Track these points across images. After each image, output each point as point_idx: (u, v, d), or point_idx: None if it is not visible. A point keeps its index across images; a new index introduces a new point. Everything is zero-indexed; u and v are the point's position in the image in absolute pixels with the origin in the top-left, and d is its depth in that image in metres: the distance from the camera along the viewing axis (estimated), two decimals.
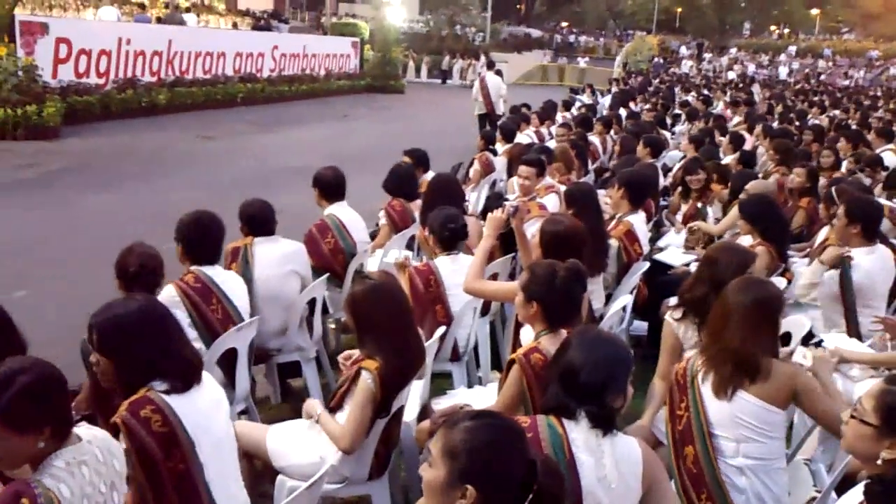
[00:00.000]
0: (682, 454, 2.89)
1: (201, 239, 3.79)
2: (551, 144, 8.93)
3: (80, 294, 5.99)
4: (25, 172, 10.97)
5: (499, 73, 17.30)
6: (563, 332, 2.93)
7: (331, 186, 5.20)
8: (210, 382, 2.61)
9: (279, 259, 4.32)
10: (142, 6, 22.86)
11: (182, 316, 3.55)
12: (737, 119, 14.90)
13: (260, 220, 4.38)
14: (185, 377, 2.47)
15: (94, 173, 11.25)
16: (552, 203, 5.84)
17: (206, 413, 2.52)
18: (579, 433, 2.29)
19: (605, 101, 19.40)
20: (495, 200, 5.94)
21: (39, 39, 15.14)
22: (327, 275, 4.69)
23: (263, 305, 4.20)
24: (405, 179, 5.96)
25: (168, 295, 3.59)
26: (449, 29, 42.74)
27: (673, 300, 3.69)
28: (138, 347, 2.41)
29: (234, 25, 28.13)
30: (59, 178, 10.80)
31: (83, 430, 2.18)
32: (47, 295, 6.09)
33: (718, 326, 2.92)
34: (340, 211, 5.17)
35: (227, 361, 3.70)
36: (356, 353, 3.16)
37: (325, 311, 4.83)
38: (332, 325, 5.29)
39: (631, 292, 4.82)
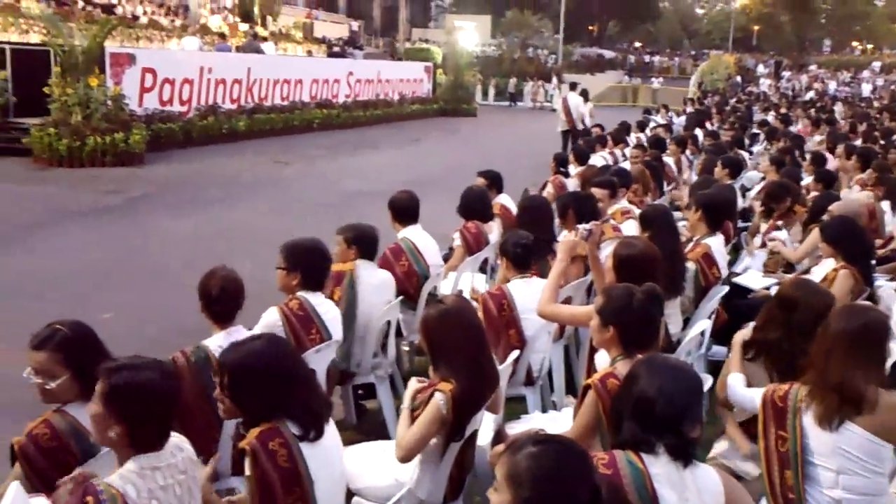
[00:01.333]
0: (780, 477, 2.80)
1: (314, 267, 3.82)
2: (625, 166, 8.83)
3: (164, 316, 6.21)
4: (112, 198, 11.40)
5: (584, 93, 18.23)
6: (640, 358, 2.88)
7: (404, 210, 5.25)
8: (331, 423, 2.67)
9: (379, 285, 4.39)
10: (222, 36, 23.63)
11: None
12: (817, 138, 14.48)
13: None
14: (315, 424, 2.53)
15: (177, 198, 11.62)
16: (630, 229, 5.75)
17: (328, 454, 2.58)
18: (660, 467, 2.23)
19: (681, 122, 19.10)
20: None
21: (127, 70, 15.78)
22: (401, 297, 4.72)
23: (362, 330, 4.26)
24: (478, 201, 5.97)
25: (271, 318, 3.67)
26: (521, 52, 42.86)
27: (745, 332, 3.54)
28: (265, 388, 2.48)
29: (310, 53, 28.78)
30: (143, 203, 11.19)
31: (175, 438, 2.33)
32: (132, 317, 6.28)
33: (822, 356, 2.80)
34: (414, 234, 5.20)
35: None
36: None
37: (399, 333, 4.86)
38: (406, 348, 5.32)
39: (709, 317, 4.71)
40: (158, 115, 16.31)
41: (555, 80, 38.30)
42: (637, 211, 6.05)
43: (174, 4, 27.87)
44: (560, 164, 9.31)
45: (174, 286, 6.83)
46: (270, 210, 10.88)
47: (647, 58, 57.19)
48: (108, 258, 8.25)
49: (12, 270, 7.60)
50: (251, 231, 9.45)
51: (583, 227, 4.01)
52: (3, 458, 2.61)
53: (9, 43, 16.53)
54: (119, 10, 23.33)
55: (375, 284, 4.36)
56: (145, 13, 24.72)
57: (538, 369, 4.35)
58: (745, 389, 3.25)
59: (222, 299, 3.30)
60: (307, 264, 3.81)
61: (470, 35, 40.43)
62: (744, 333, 3.50)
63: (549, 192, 8.56)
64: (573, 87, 18.86)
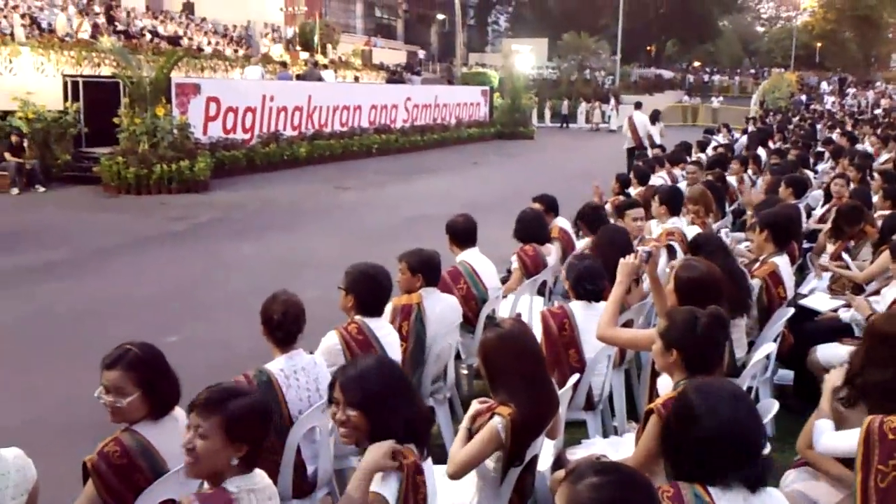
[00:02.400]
0: None
1: (372, 292, 3.84)
2: (683, 186, 8.72)
3: (228, 340, 6.32)
4: (177, 224, 11.70)
5: (656, 114, 19.04)
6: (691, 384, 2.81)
7: (462, 233, 5.27)
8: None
9: (445, 312, 4.39)
10: (284, 65, 24.15)
11: (340, 363, 3.65)
12: (885, 156, 14.07)
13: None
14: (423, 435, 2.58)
15: (240, 223, 11.87)
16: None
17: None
18: (728, 501, 2.16)
19: (742, 141, 18.79)
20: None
21: (192, 99, 16.24)
22: (460, 320, 4.73)
23: (429, 361, 4.27)
24: (535, 224, 5.95)
25: (331, 342, 3.71)
26: (578, 74, 42.78)
27: (836, 375, 3.34)
28: (393, 403, 2.51)
29: (357, 79, 29.16)
30: (207, 229, 11.46)
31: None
32: (197, 340, 6.42)
33: None
34: (472, 257, 5.22)
35: None
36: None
37: (457, 356, 4.86)
38: (465, 371, 5.31)
39: (775, 340, 4.60)
40: (222, 143, 16.73)
41: (612, 101, 38.10)
42: (686, 233, 5.97)
43: (237, 35, 28.61)
44: (622, 185, 9.24)
45: (237, 310, 6.97)
46: (331, 235, 11.03)
47: (706, 77, 56.52)
48: (174, 283, 8.45)
49: (84, 295, 7.85)
50: (312, 256, 9.58)
51: (642, 249, 3.96)
52: (77, 476, 2.68)
53: (81, 76, 17.20)
54: (185, 42, 24.06)
55: (442, 312, 4.35)
56: (210, 44, 25.44)
57: (599, 393, 4.30)
58: (838, 434, 3.03)
59: (283, 323, 3.34)
60: (362, 288, 3.83)
61: (527, 58, 40.55)
62: (834, 379, 3.25)
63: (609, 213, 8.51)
64: (638, 105, 19.27)
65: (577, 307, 4.23)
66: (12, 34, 17.99)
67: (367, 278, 3.84)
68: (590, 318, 4.10)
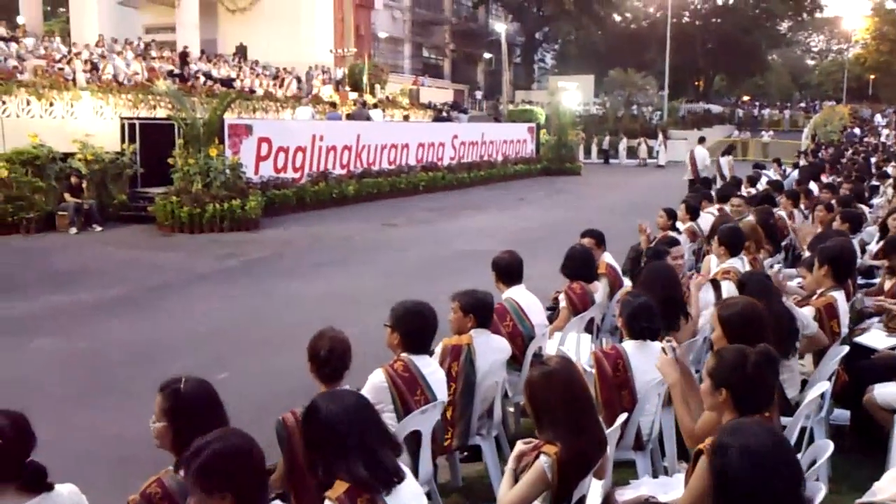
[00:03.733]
0: None
1: (417, 330, 3.85)
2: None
3: (276, 376, 6.38)
4: (229, 261, 11.91)
5: (730, 149, 20.44)
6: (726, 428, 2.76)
7: (508, 270, 5.26)
8: (410, 477, 2.67)
9: (495, 353, 4.38)
10: (333, 105, 24.60)
11: (387, 401, 3.67)
12: None
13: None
14: (387, 480, 2.52)
15: (290, 261, 12.03)
16: (727, 290, 5.58)
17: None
18: None
19: (794, 175, 18.49)
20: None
21: (244, 140, 16.62)
22: (507, 358, 4.71)
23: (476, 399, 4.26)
24: (583, 261, 5.92)
25: (377, 379, 3.72)
26: (625, 110, 42.71)
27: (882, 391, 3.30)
28: (341, 438, 2.50)
29: (414, 118, 29.51)
30: (257, 267, 11.64)
31: None
32: (247, 377, 6.49)
33: None
34: (518, 294, 5.21)
35: (410, 445, 3.76)
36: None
37: (504, 394, 4.84)
38: (512, 409, 5.28)
39: (829, 378, 4.49)
40: (273, 182, 17.04)
41: (660, 136, 37.90)
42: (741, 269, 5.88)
43: (288, 77, 29.23)
44: (670, 218, 9.14)
45: (286, 346, 7.04)
46: (379, 271, 11.11)
47: (756, 111, 55.94)
48: (225, 319, 8.59)
49: (138, 332, 8.02)
50: (360, 292, 9.66)
51: (665, 344, 3.82)
52: None
53: (138, 118, 17.74)
54: (237, 84, 24.65)
55: (492, 355, 4.33)
56: (261, 86, 26.01)
57: (648, 433, 4.23)
58: None
59: (330, 360, 3.38)
60: (408, 326, 3.84)
61: (573, 95, 40.61)
62: None
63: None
64: (702, 140, 20.32)
65: (630, 347, 4.18)
66: (74, 80, 18.65)
67: (413, 316, 3.86)
68: (644, 358, 4.05)
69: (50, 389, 6.29)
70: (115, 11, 33.77)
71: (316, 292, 9.82)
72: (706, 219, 9.56)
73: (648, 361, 3.92)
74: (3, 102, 16.25)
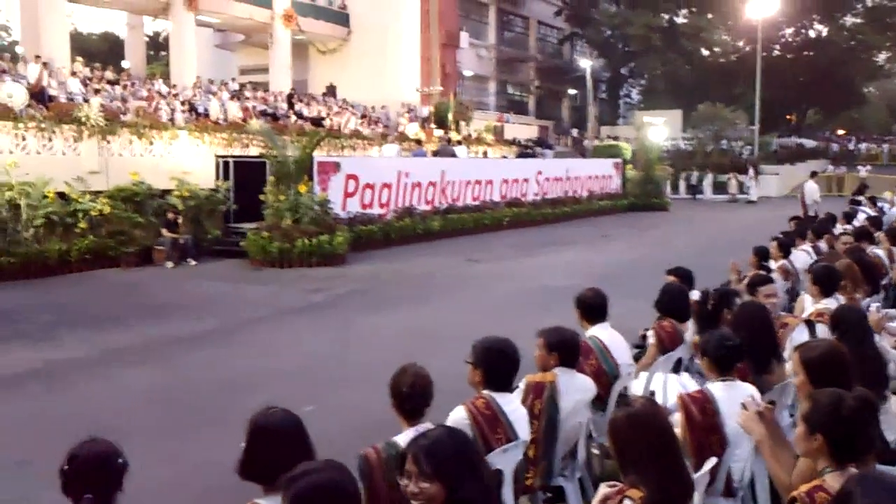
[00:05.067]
0: None
1: (499, 366, 3.82)
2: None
3: (360, 410, 6.44)
4: (316, 296, 12.15)
5: (862, 188, 19.80)
6: (853, 470, 2.64)
7: (592, 307, 5.20)
8: None
9: (579, 393, 4.33)
10: (419, 142, 24.96)
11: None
12: None
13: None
14: None
15: (375, 296, 12.19)
16: (822, 332, 5.35)
17: None
18: None
19: (893, 213, 17.73)
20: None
21: (333, 177, 17.02)
22: (591, 398, 4.63)
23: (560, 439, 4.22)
24: (678, 299, 5.80)
25: (458, 416, 3.70)
26: (714, 144, 41.89)
27: None
28: (467, 474, 2.48)
29: (498, 154, 29.63)
30: (344, 301, 11.82)
31: None
32: (332, 410, 6.57)
33: None
34: (603, 332, 5.13)
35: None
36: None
37: (588, 435, 4.75)
38: (596, 451, 5.18)
39: None
40: (360, 218, 17.36)
41: (751, 171, 36.99)
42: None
43: (376, 115, 29.87)
44: (761, 258, 8.89)
45: (370, 381, 7.08)
46: (462, 307, 11.13)
47: (851, 145, 54.00)
48: (312, 353, 8.74)
49: (228, 364, 8.23)
50: (443, 328, 9.69)
51: (747, 399, 3.66)
52: None
53: (232, 156, 18.39)
54: (327, 123, 25.33)
55: (576, 394, 4.28)
56: (350, 124, 26.65)
57: (739, 479, 4.08)
58: None
59: (412, 396, 3.39)
60: (489, 362, 3.81)
61: (660, 130, 40.11)
62: None
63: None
64: (813, 174, 20.29)
65: (717, 389, 4.05)
66: (172, 119, 19.52)
67: (495, 353, 3.83)
68: (732, 400, 3.92)
69: (142, 418, 6.50)
70: (213, 54, 35.39)
71: (400, 327, 9.90)
72: (801, 257, 9.26)
73: (738, 404, 3.79)
74: (108, 142, 17.13)
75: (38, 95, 17.79)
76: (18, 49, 27.00)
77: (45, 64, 19.28)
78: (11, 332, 9.43)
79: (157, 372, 7.91)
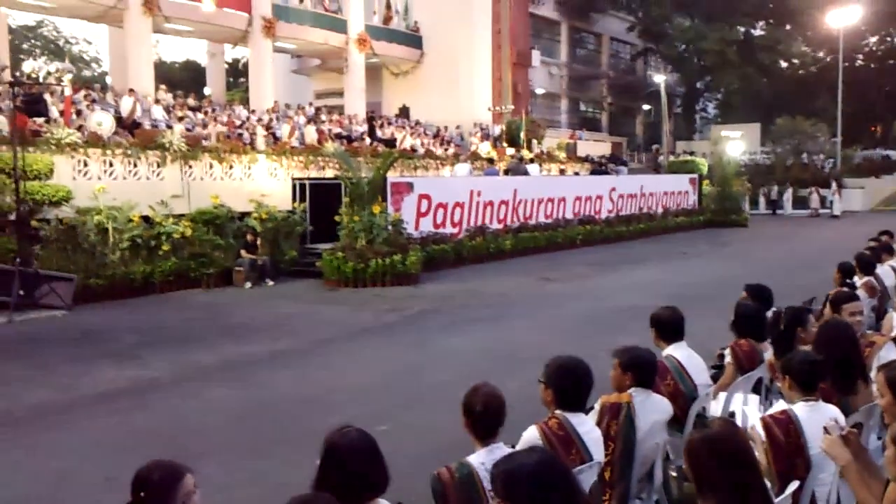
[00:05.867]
0: None
1: (571, 386, 3.79)
2: None
3: (434, 430, 6.46)
4: (390, 315, 12.26)
5: None
6: None
7: (669, 327, 5.11)
8: None
9: (656, 414, 4.26)
10: (491, 161, 25.03)
11: None
12: None
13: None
14: None
15: (448, 315, 12.22)
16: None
17: None
18: None
19: None
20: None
21: (406, 197, 17.20)
22: (668, 419, 4.55)
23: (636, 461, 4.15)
24: (753, 318, 5.66)
25: (531, 436, 3.69)
26: (794, 158, 40.76)
27: None
28: (543, 499, 2.45)
29: (563, 172, 29.47)
30: (417, 321, 11.90)
31: None
32: (405, 429, 6.61)
33: None
34: (679, 352, 5.03)
35: None
36: None
37: (666, 457, 4.66)
38: (674, 473, 5.07)
39: None
40: (432, 237, 17.49)
41: (833, 185, 35.86)
42: None
43: (448, 135, 30.10)
44: (845, 275, 8.60)
45: (443, 400, 7.11)
46: (535, 326, 11.08)
47: None
48: (386, 372, 8.82)
49: (305, 383, 8.38)
50: (516, 347, 9.66)
51: (829, 423, 3.53)
52: None
53: (308, 179, 18.79)
54: (400, 144, 25.64)
55: (653, 415, 4.21)
56: (423, 145, 26.91)
57: (824, 503, 3.94)
58: None
59: (484, 416, 3.39)
60: (562, 382, 3.78)
61: (737, 144, 39.28)
62: None
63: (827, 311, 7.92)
64: None
65: (801, 410, 3.93)
66: (251, 144, 20.07)
67: (567, 372, 3.80)
68: (816, 422, 3.79)
69: (223, 437, 6.67)
70: (289, 79, 36.31)
71: (472, 346, 9.91)
72: (887, 273, 8.93)
73: (822, 425, 3.66)
74: (190, 167, 17.73)
75: (130, 125, 18.59)
76: (107, 79, 28.20)
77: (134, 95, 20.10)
78: (98, 352, 9.81)
79: (236, 391, 8.10)
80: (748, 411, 5.10)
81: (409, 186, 17.56)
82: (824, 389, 4.18)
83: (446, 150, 27.78)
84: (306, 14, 29.54)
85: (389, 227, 15.67)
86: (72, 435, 6.77)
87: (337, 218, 15.66)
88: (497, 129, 32.31)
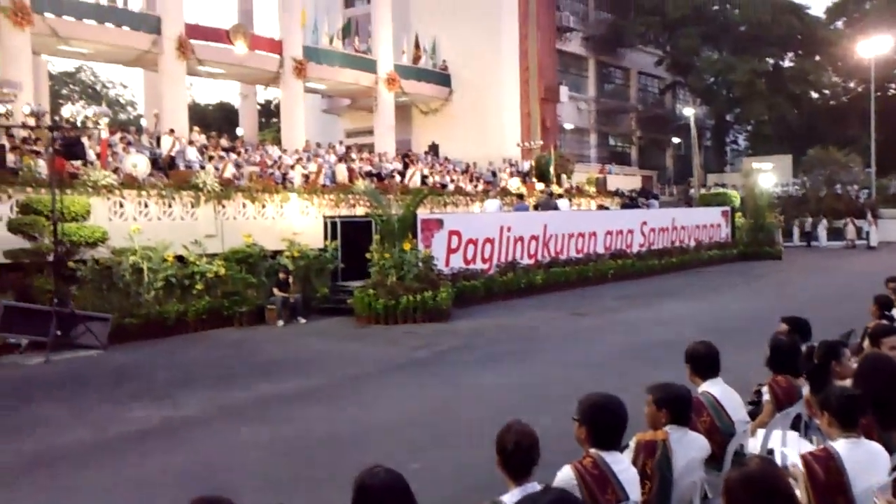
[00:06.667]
0: None
1: (606, 424, 3.74)
2: None
3: (466, 469, 6.40)
4: (421, 352, 12.23)
5: None
6: None
7: (704, 362, 5.03)
8: None
9: (693, 451, 4.19)
10: (520, 196, 25.05)
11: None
12: None
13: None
14: None
15: (479, 351, 12.17)
16: None
17: None
18: None
19: None
20: None
21: (436, 233, 17.25)
22: (705, 456, 4.47)
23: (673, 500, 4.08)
24: (788, 353, 5.56)
25: (566, 476, 3.64)
26: (827, 189, 40.33)
27: None
28: None
29: (602, 207, 29.43)
30: (448, 357, 11.86)
31: None
32: (437, 468, 6.55)
33: None
34: (715, 388, 4.95)
35: None
36: None
37: (703, 495, 4.57)
38: None
39: None
40: (463, 273, 17.49)
41: (869, 215, 35.38)
42: None
43: (477, 171, 30.25)
44: (883, 307, 8.44)
45: (475, 438, 7.06)
46: (569, 362, 10.98)
47: None
48: (417, 409, 8.77)
49: (336, 421, 8.36)
50: (549, 383, 9.57)
51: (879, 497, 3.46)
52: None
53: (339, 217, 18.94)
54: (429, 181, 25.80)
55: (689, 452, 4.14)
56: (452, 181, 27.05)
57: None
58: None
59: (517, 454, 3.35)
60: (595, 420, 3.73)
61: (769, 176, 38.99)
62: None
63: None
64: None
65: (842, 447, 3.84)
66: (283, 183, 20.32)
67: (600, 409, 3.75)
68: (858, 458, 3.71)
69: (257, 475, 6.65)
70: (320, 119, 36.87)
71: (504, 382, 9.84)
72: None
73: (865, 462, 3.59)
74: (224, 207, 17.98)
75: (170, 165, 18.97)
76: (142, 122, 28.82)
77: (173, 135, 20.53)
78: (132, 391, 9.89)
79: (269, 429, 8.10)
80: (787, 449, 4.99)
81: (440, 223, 17.63)
82: (865, 425, 4.08)
83: (476, 186, 27.90)
84: (336, 55, 30.06)
85: (420, 264, 15.70)
86: (107, 474, 6.81)
87: (368, 255, 15.73)
88: (526, 165, 32.42)
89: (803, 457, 3.88)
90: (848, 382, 4.90)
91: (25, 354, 12.34)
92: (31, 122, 17.45)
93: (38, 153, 16.57)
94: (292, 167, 21.99)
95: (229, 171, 19.49)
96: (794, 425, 5.23)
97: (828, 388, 4.14)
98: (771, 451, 4.97)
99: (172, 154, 19.77)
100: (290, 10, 28.05)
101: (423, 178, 25.98)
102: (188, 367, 11.48)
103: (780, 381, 5.35)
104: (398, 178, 25.18)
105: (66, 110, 14.97)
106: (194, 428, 8.20)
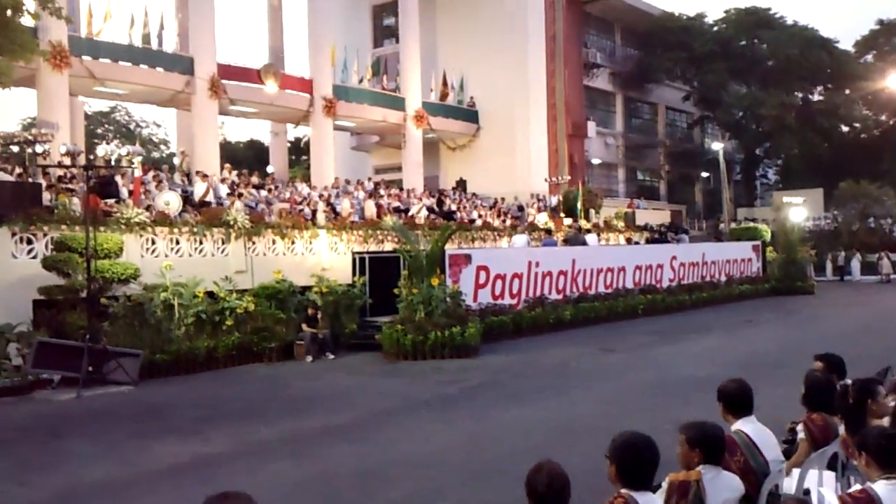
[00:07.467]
0: None
1: (637, 463, 3.70)
2: None
3: None
4: (449, 388, 12.17)
5: None
6: None
7: (736, 400, 4.95)
8: None
9: (726, 492, 4.11)
10: (548, 231, 25.03)
11: None
12: None
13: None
14: None
15: (508, 388, 12.08)
16: None
17: None
18: None
19: None
20: None
21: (464, 269, 17.26)
22: (739, 497, 4.38)
23: None
24: (824, 391, 5.46)
25: None
26: (860, 223, 39.84)
27: None
28: None
29: (630, 241, 29.31)
30: (476, 393, 11.78)
31: None
32: None
33: None
34: (749, 426, 4.87)
35: None
36: None
37: None
38: None
39: None
40: (491, 309, 17.44)
41: None
42: None
43: (505, 207, 30.31)
44: None
45: (504, 476, 6.99)
46: (599, 399, 10.87)
47: None
48: (445, 446, 8.71)
49: (364, 457, 8.32)
50: (578, 420, 9.47)
51: None
52: None
53: (367, 252, 19.03)
54: (457, 216, 25.89)
55: (723, 493, 4.05)
56: (480, 216, 27.12)
57: None
58: None
59: (548, 496, 3.31)
60: (625, 459, 3.68)
61: (800, 210, 38.65)
62: None
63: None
64: None
65: (882, 488, 3.75)
66: (313, 219, 20.50)
67: (630, 448, 3.70)
68: None
69: None
70: (349, 156, 37.30)
71: (533, 419, 9.75)
72: None
73: None
74: (254, 243, 18.16)
75: (202, 203, 19.23)
76: (175, 160, 29.30)
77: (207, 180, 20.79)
78: (163, 427, 9.93)
79: (297, 465, 8.09)
80: (824, 489, 4.88)
81: (468, 258, 17.64)
82: None
83: (504, 221, 27.93)
84: (365, 93, 30.47)
85: (448, 299, 15.68)
86: None
87: (396, 291, 15.76)
88: (554, 200, 32.43)
89: (841, 498, 3.79)
90: (885, 421, 4.81)
91: (58, 390, 12.46)
92: (67, 161, 17.81)
93: (73, 191, 16.89)
94: (327, 205, 22.18)
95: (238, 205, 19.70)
96: (831, 465, 5.12)
97: (865, 428, 4.05)
98: (807, 492, 4.87)
99: (207, 199, 20.03)
100: (320, 49, 28.55)
101: (451, 213, 26.08)
102: (218, 403, 11.52)
103: (815, 420, 5.26)
104: (426, 213, 25.30)
105: (101, 150, 15.28)
106: (224, 464, 8.21)
